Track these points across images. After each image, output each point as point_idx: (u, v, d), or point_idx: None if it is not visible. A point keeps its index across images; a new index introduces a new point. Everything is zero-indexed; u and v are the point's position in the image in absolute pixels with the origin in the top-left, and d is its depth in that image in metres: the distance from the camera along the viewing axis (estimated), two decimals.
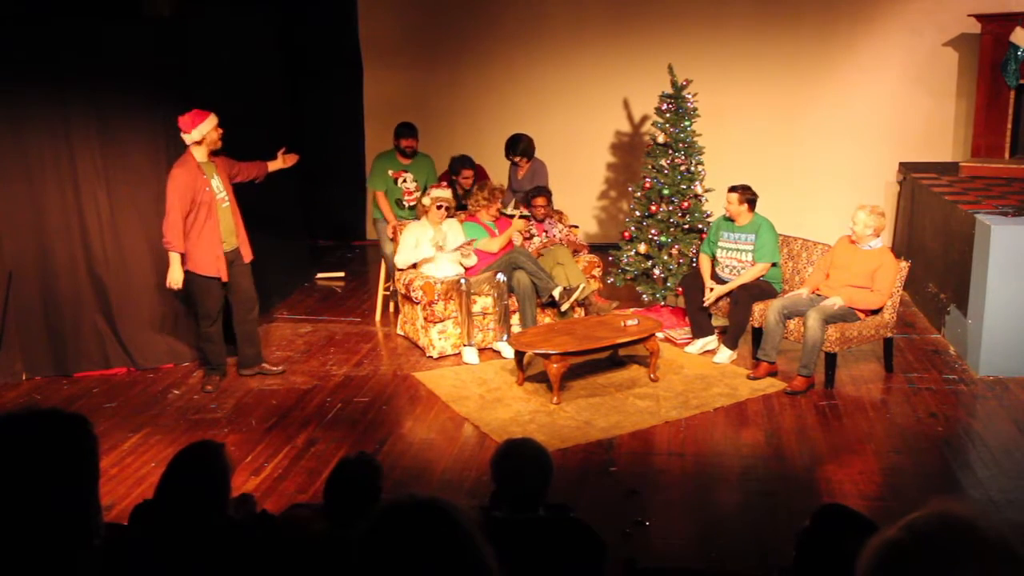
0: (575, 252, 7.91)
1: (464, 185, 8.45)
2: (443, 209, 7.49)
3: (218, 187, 6.43)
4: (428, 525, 1.54)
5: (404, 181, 8.14)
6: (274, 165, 6.99)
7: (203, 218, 6.31)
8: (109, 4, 7.11)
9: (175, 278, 6.35)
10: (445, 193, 7.59)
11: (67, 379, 6.91)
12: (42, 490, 1.86)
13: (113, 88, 6.76)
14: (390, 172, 8.15)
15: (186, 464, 3.05)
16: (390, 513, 1.57)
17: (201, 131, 6.26)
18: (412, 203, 8.11)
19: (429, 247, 7.40)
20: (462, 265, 7.48)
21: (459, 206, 8.09)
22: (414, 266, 7.52)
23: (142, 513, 3.05)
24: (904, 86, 10.00)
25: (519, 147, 8.38)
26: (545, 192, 8.03)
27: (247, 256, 6.65)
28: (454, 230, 7.58)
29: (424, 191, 7.93)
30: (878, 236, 6.66)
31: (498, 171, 10.45)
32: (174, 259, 6.32)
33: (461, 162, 8.49)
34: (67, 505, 1.88)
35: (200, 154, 6.34)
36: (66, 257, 6.85)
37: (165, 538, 2.92)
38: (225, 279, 6.47)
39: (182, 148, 7.01)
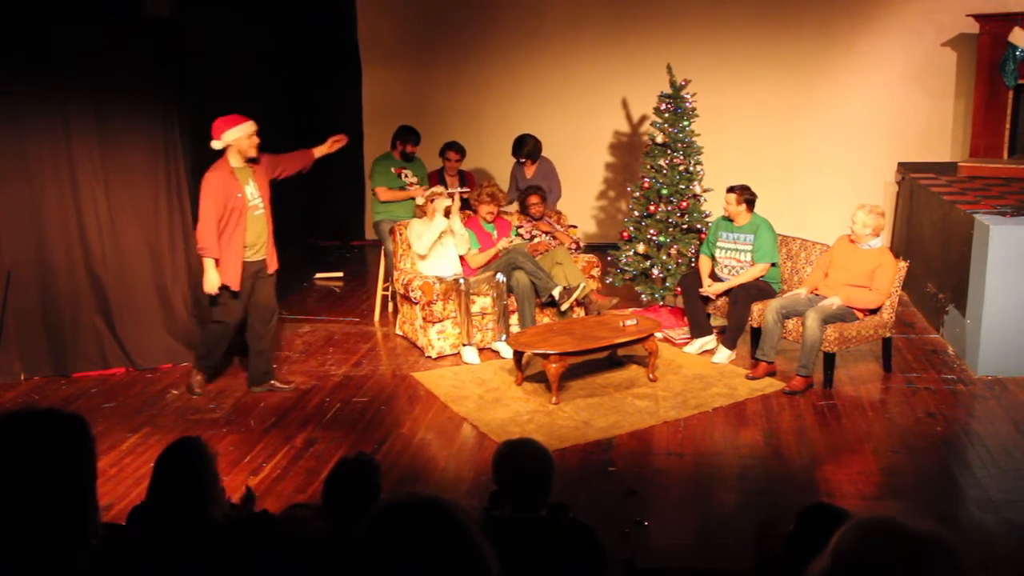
0: (572, 249, 7.96)
1: (450, 169, 8.57)
2: (437, 201, 7.51)
3: (252, 194, 6.24)
4: (428, 524, 1.53)
5: (406, 176, 8.26)
6: (320, 150, 6.77)
7: (232, 226, 6.16)
8: (109, 3, 7.10)
9: (212, 282, 6.18)
10: (439, 190, 7.63)
11: (66, 379, 6.91)
12: (40, 490, 1.86)
13: (112, 88, 6.75)
14: (393, 170, 8.26)
15: (169, 464, 3.06)
16: (390, 512, 1.56)
17: (228, 138, 6.08)
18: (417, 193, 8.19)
19: (441, 220, 7.38)
20: (462, 235, 7.49)
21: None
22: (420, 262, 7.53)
23: (140, 514, 3.05)
24: (903, 86, 10.01)
25: (524, 149, 8.54)
26: (538, 191, 8.08)
27: (272, 266, 6.51)
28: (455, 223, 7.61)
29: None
30: (877, 236, 6.66)
31: (497, 169, 10.46)
32: (209, 264, 6.17)
33: (450, 145, 8.67)
34: (65, 504, 1.88)
35: (234, 160, 6.16)
36: (65, 257, 6.85)
37: (163, 538, 2.92)
38: (236, 288, 6.28)
39: (180, 148, 7.05)
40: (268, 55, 8.72)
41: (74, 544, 1.89)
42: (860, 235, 6.61)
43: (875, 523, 1.43)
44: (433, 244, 7.42)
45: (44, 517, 1.85)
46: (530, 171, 8.61)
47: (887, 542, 1.40)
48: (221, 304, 6.34)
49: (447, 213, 7.50)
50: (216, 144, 6.12)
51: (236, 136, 6.11)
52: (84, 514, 1.92)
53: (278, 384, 6.76)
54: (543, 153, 8.67)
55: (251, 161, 6.25)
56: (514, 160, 8.70)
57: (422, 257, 7.49)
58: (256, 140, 6.20)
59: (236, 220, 6.18)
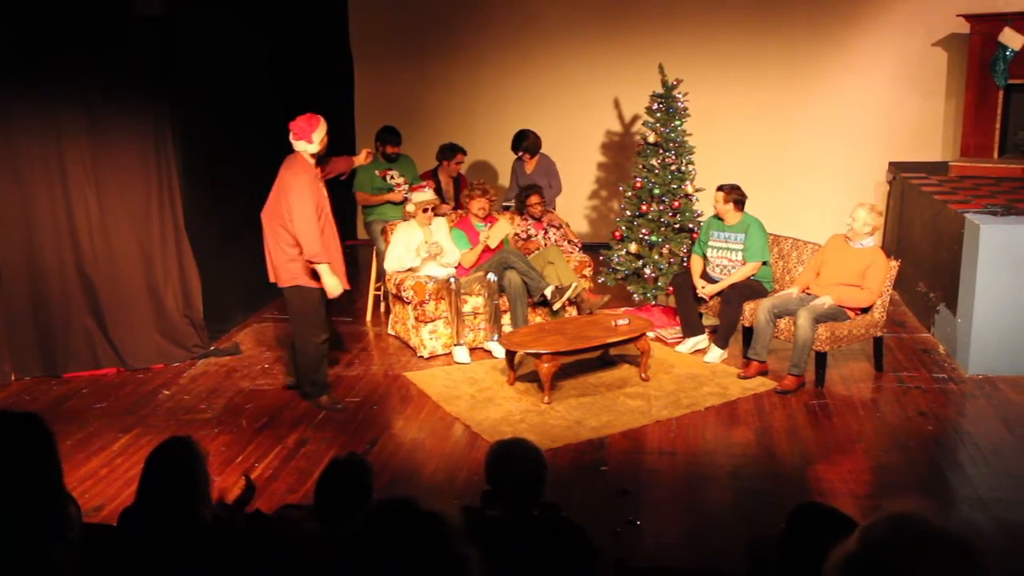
0: (570, 243, 7.98)
1: (453, 170, 8.64)
2: (429, 212, 7.51)
3: (325, 194, 6.08)
4: (410, 529, 1.53)
5: (392, 177, 8.21)
6: (357, 160, 6.73)
7: (321, 226, 5.89)
8: (100, 3, 7.07)
9: (336, 286, 5.91)
10: (427, 196, 7.59)
11: (56, 380, 6.88)
12: (2, 489, 1.86)
13: (103, 87, 6.73)
14: (376, 172, 8.19)
15: (161, 463, 3.05)
16: (373, 517, 1.56)
17: (317, 139, 5.85)
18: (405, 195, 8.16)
19: (415, 257, 7.40)
20: (449, 266, 7.49)
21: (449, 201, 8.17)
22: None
23: (131, 515, 3.04)
24: (894, 86, 10.04)
25: (524, 143, 8.59)
26: (538, 191, 8.08)
27: None
28: (442, 230, 7.58)
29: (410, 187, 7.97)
30: (872, 235, 6.68)
31: (490, 168, 10.47)
32: (326, 270, 5.85)
33: (458, 147, 8.71)
34: (31, 501, 1.88)
35: (312, 160, 5.95)
36: (55, 257, 6.83)
37: (155, 539, 2.91)
38: (349, 287, 6.11)
39: (171, 148, 7.02)
40: (259, 55, 8.70)
41: (48, 539, 1.89)
42: (858, 232, 6.61)
43: (910, 518, 1.45)
44: (401, 270, 7.44)
45: (10, 514, 1.85)
46: (530, 166, 8.63)
47: (920, 537, 1.42)
48: (311, 313, 6.06)
49: (432, 213, 7.55)
50: (310, 148, 5.86)
51: (322, 135, 5.90)
52: (53, 510, 1.93)
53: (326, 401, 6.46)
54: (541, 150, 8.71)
55: (320, 162, 6.07)
56: (514, 157, 8.72)
57: (393, 271, 7.50)
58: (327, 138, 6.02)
59: (326, 220, 5.95)
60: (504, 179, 10.44)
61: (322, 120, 5.94)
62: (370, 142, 8.63)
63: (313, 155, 5.93)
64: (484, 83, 10.77)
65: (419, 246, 7.43)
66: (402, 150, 8.37)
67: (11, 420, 1.95)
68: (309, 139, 5.86)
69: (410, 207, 7.62)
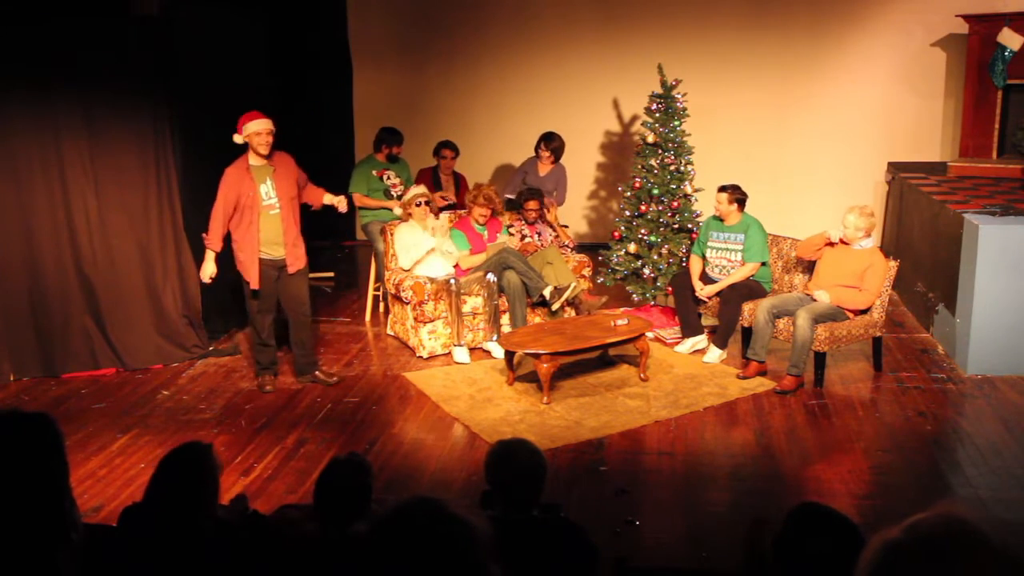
0: (564, 245, 7.97)
1: (445, 168, 8.65)
2: (423, 205, 7.50)
3: (267, 193, 6.30)
4: (434, 535, 1.51)
5: (389, 178, 8.21)
6: (328, 199, 6.75)
7: (244, 223, 6.29)
8: (97, 2, 7.07)
9: (203, 272, 6.44)
10: (419, 190, 7.60)
11: (55, 380, 6.88)
12: (11, 488, 1.86)
13: (101, 87, 6.73)
14: (374, 172, 8.19)
15: (175, 466, 3.05)
16: (397, 517, 1.54)
17: (245, 132, 6.23)
18: (401, 194, 8.15)
19: (428, 238, 7.38)
20: (450, 254, 7.48)
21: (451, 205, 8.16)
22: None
23: (131, 515, 3.04)
24: (893, 86, 10.05)
25: (552, 144, 8.55)
26: (537, 195, 8.05)
27: (293, 266, 6.47)
28: (442, 227, 7.58)
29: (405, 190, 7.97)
30: (869, 236, 6.68)
31: (488, 169, 10.45)
32: (208, 256, 6.37)
33: (444, 143, 8.71)
34: (39, 501, 1.88)
35: (252, 157, 6.29)
36: (54, 258, 6.82)
37: (155, 539, 2.91)
38: (255, 287, 6.40)
39: (170, 148, 7.03)
40: (258, 54, 8.69)
41: (54, 539, 1.89)
42: (852, 238, 6.62)
43: (962, 521, 1.44)
44: (420, 260, 7.41)
45: (20, 516, 1.85)
46: (545, 168, 8.56)
47: (968, 542, 1.41)
48: (249, 300, 6.52)
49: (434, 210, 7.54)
50: (237, 138, 6.28)
51: (251, 131, 6.23)
52: (60, 509, 1.92)
53: (321, 376, 6.83)
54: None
55: (268, 158, 6.32)
56: (532, 154, 8.62)
57: (406, 270, 7.47)
58: (266, 138, 6.25)
59: (249, 217, 6.29)
60: (505, 178, 10.44)
61: (259, 118, 6.25)
62: (368, 143, 8.62)
63: (252, 148, 6.28)
64: (483, 83, 10.76)
65: (424, 236, 7.43)
66: (402, 150, 8.36)
67: (23, 420, 1.95)
68: (239, 131, 6.27)
69: (397, 210, 7.62)
